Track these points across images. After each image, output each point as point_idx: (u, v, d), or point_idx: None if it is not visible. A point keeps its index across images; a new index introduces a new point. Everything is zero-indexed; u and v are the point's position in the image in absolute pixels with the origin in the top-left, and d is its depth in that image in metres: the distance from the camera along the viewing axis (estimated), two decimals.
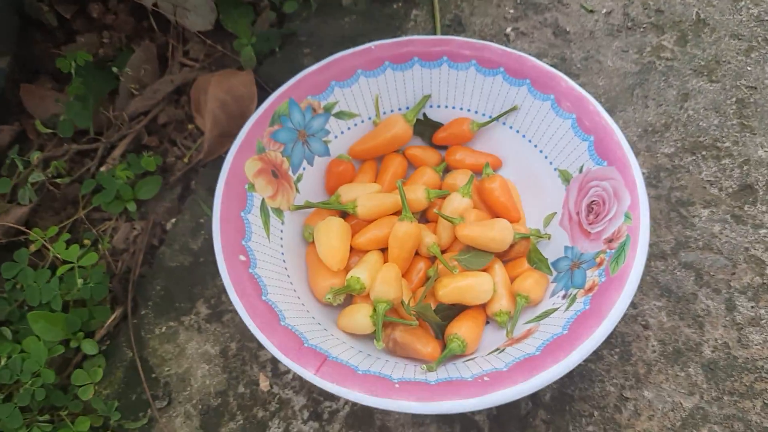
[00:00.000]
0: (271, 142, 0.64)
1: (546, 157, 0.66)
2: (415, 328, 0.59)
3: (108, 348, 0.65)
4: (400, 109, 0.70)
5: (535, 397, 0.61)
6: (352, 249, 0.63)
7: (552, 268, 0.62)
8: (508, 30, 0.82)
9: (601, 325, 0.51)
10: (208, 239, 0.70)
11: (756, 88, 0.76)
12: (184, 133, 0.78)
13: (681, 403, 0.60)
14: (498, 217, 0.64)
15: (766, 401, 0.59)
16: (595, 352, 0.62)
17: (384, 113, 0.70)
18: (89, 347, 0.62)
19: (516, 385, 0.50)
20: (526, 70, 0.65)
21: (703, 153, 0.72)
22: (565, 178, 0.64)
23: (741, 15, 0.82)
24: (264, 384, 0.62)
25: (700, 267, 0.66)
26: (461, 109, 0.70)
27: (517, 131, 0.68)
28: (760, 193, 0.69)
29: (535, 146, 0.66)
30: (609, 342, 0.63)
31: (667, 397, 0.60)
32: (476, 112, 0.69)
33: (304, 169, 0.66)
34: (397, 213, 0.65)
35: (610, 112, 0.75)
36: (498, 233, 0.60)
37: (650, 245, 0.67)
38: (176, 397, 0.62)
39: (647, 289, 0.65)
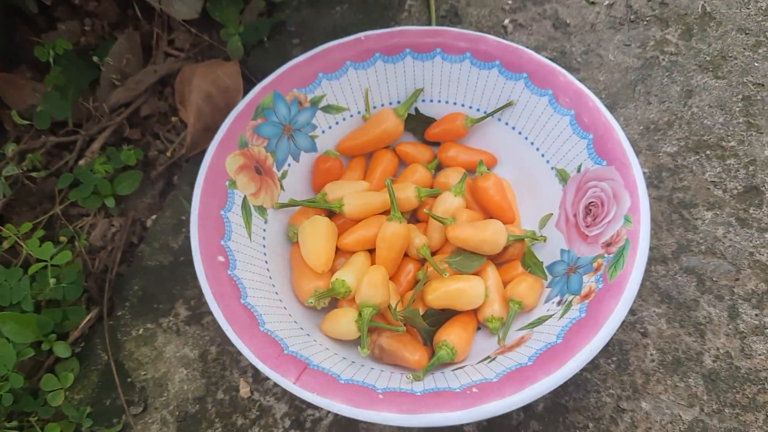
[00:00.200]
0: (255, 136, 0.61)
1: (543, 156, 0.63)
2: (402, 334, 0.56)
3: (82, 350, 0.62)
4: (390, 104, 0.67)
5: (527, 408, 0.58)
6: (338, 250, 0.61)
7: (547, 273, 0.59)
8: (506, 22, 0.79)
9: (597, 335, 0.48)
10: (190, 237, 0.67)
11: (763, 85, 0.73)
12: (167, 126, 0.75)
13: (680, 416, 0.57)
14: (491, 217, 0.62)
15: None
16: (590, 361, 0.59)
17: (374, 107, 0.67)
18: (61, 350, 0.59)
19: (506, 397, 0.47)
20: (523, 64, 0.62)
21: (707, 152, 0.69)
22: (563, 177, 0.61)
23: (749, 8, 0.78)
24: (244, 390, 0.59)
25: (702, 272, 0.63)
26: (455, 103, 0.67)
27: (513, 128, 0.65)
28: (767, 195, 0.66)
29: (532, 143, 0.63)
30: (606, 350, 0.60)
31: (665, 409, 0.57)
32: (470, 108, 0.66)
33: (289, 165, 0.63)
34: (386, 212, 0.62)
35: (611, 108, 0.72)
36: (491, 235, 0.57)
37: (651, 249, 0.64)
38: (152, 403, 0.59)
39: (647, 294, 0.62)
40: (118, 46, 0.76)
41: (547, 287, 0.58)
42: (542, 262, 0.59)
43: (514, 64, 0.63)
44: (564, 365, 0.48)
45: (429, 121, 0.67)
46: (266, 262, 0.59)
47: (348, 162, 0.67)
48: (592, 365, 0.59)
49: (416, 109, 0.67)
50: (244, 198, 0.59)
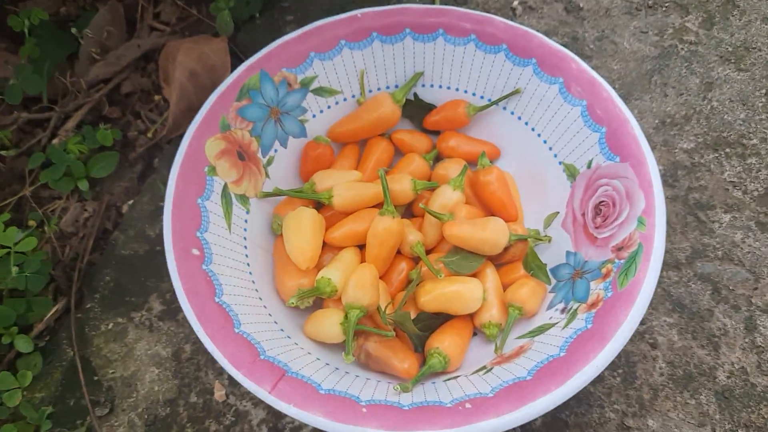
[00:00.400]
0: (238, 119, 0.56)
1: (550, 149, 0.58)
2: (391, 339, 0.51)
3: (47, 345, 0.58)
4: (388, 87, 0.62)
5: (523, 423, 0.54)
6: (325, 244, 0.56)
7: (551, 276, 0.55)
8: (515, 3, 0.74)
9: (604, 350, 0.44)
10: None
11: None
12: (149, 105, 0.70)
13: None
14: (492, 215, 0.57)
15: None
16: None
17: (369, 91, 0.62)
18: (23, 344, 0.55)
19: (501, 416, 0.42)
20: (533, 49, 0.57)
21: (727, 150, 0.64)
22: (571, 173, 0.56)
23: None
24: (219, 393, 0.55)
25: (717, 280, 0.58)
26: (457, 89, 0.62)
27: (519, 118, 0.60)
28: None
29: (539, 135, 0.59)
30: (611, 362, 0.56)
31: (674, 428, 0.53)
32: (474, 94, 0.61)
33: (275, 151, 0.59)
34: (379, 206, 0.57)
35: (625, 100, 0.67)
36: (491, 234, 0.53)
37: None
38: (120, 404, 0.55)
39: (657, 302, 0.58)
40: (100, 17, 0.71)
41: (550, 292, 0.54)
42: (546, 265, 0.55)
43: (522, 48, 0.58)
44: (566, 382, 0.43)
45: (428, 107, 0.62)
46: (246, 256, 0.54)
47: (340, 149, 0.62)
48: (596, 378, 0.55)
49: (415, 95, 0.62)
50: (225, 185, 0.54)
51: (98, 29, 0.70)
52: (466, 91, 0.61)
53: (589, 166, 0.54)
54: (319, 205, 0.58)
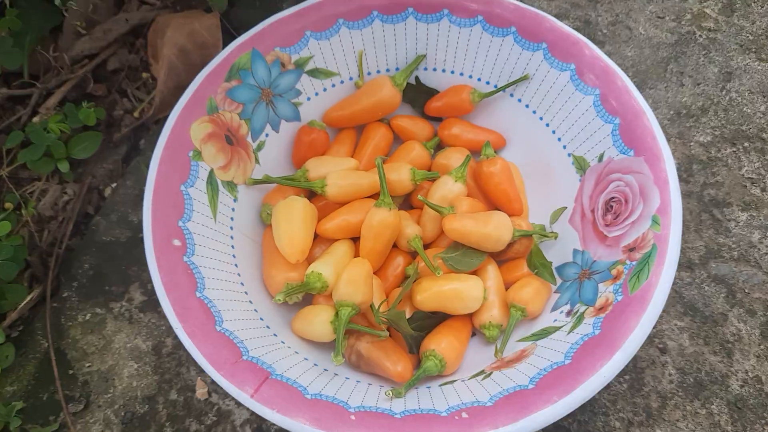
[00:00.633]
0: (227, 100, 0.52)
1: (559, 140, 0.54)
2: (384, 339, 0.48)
3: (20, 335, 0.54)
4: (388, 71, 0.58)
5: None
6: (317, 236, 0.53)
7: (556, 276, 0.51)
8: None
9: (613, 359, 0.41)
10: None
11: None
12: (136, 83, 0.67)
13: None
14: (496, 208, 0.54)
15: None
16: None
17: (368, 74, 0.58)
18: None
19: (499, 428, 0.39)
20: (543, 32, 0.54)
21: (745, 144, 0.61)
22: (581, 166, 0.53)
23: None
24: (201, 391, 0.52)
25: (732, 282, 0.55)
26: (461, 74, 0.58)
27: (527, 106, 0.56)
28: None
29: (547, 125, 0.55)
30: None
31: None
32: (479, 80, 0.58)
33: (267, 135, 0.55)
34: (375, 196, 0.54)
35: (639, 88, 0.64)
36: (494, 229, 0.49)
37: None
38: (95, 400, 0.52)
39: (668, 305, 0.54)
40: None
41: (555, 293, 0.51)
42: (551, 263, 0.51)
43: (532, 31, 0.54)
44: (570, 393, 0.40)
45: (431, 92, 0.59)
46: (232, 247, 0.51)
47: (335, 135, 0.59)
48: None
49: (417, 78, 0.58)
50: (211, 171, 0.51)
51: (84, 2, 0.66)
52: (471, 76, 0.58)
53: (600, 160, 0.51)
54: (311, 194, 0.54)
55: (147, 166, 0.59)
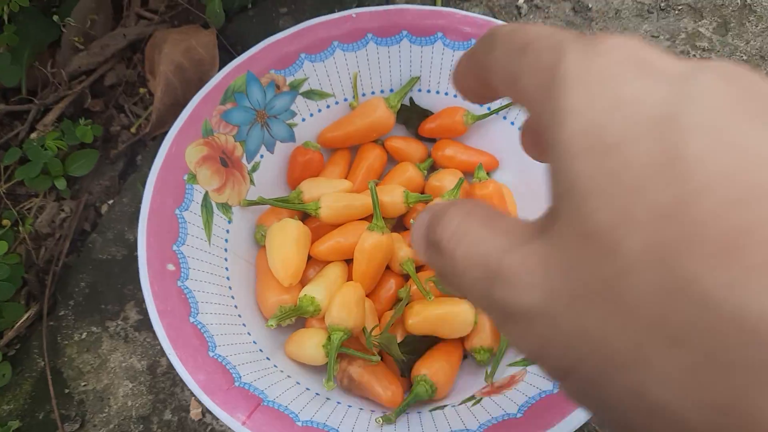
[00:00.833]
0: (222, 123, 0.53)
1: None
2: (376, 364, 0.49)
3: (16, 354, 0.55)
4: (382, 92, 0.59)
5: None
6: (310, 258, 0.53)
7: None
8: (521, 1, 0.70)
9: None
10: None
11: None
12: (134, 99, 0.67)
13: None
14: None
15: None
16: None
17: (363, 95, 0.58)
18: None
19: None
20: None
21: None
22: None
23: None
24: (195, 412, 0.53)
25: None
26: (455, 96, 0.58)
27: (520, 128, 0.56)
28: None
29: None
30: None
31: None
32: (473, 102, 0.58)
33: (261, 156, 0.56)
34: (369, 217, 0.54)
35: None
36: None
37: None
38: (91, 419, 0.52)
39: None
40: (84, 4, 0.67)
41: None
42: None
43: None
44: (559, 424, 0.41)
45: (425, 113, 0.59)
46: (227, 269, 0.51)
47: (330, 155, 0.59)
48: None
49: (411, 100, 0.59)
50: (206, 194, 0.51)
51: (82, 17, 0.67)
52: (464, 98, 0.58)
53: None
54: (305, 215, 0.55)
55: (143, 185, 0.59)
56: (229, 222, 0.53)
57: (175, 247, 0.48)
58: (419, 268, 0.54)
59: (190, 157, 0.51)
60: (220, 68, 0.64)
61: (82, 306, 0.56)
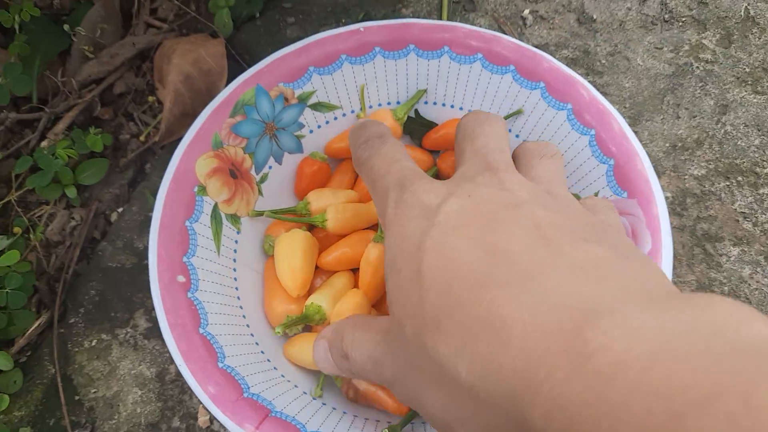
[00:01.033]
0: (232, 135, 0.53)
1: None
2: None
3: (27, 361, 0.56)
4: (389, 104, 0.59)
5: None
6: (317, 268, 0.54)
7: None
8: (526, 12, 0.71)
9: None
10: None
11: None
12: (143, 107, 0.68)
13: None
14: None
15: None
16: None
17: (370, 107, 0.59)
18: (3, 361, 0.53)
19: None
20: (542, 72, 0.55)
21: (739, 178, 0.62)
22: None
23: None
24: (203, 419, 0.54)
25: None
26: (461, 108, 0.59)
27: (525, 141, 0.57)
28: None
29: None
30: None
31: None
32: None
33: (270, 167, 0.56)
34: (375, 227, 0.55)
35: (636, 120, 0.65)
36: None
37: None
38: (100, 426, 0.53)
39: None
40: (93, 13, 0.68)
41: None
42: None
43: (530, 70, 0.55)
44: None
45: (430, 125, 0.60)
46: (235, 279, 0.52)
47: (337, 165, 0.60)
48: None
49: (416, 111, 0.60)
50: (215, 205, 0.52)
51: (92, 26, 0.67)
52: (470, 110, 0.59)
53: None
54: (312, 226, 0.56)
55: (152, 194, 0.60)
56: (238, 233, 0.54)
57: (185, 259, 0.49)
58: None
59: (201, 169, 0.51)
60: (227, 78, 0.65)
61: (92, 314, 0.57)
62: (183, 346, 0.45)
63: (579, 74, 0.61)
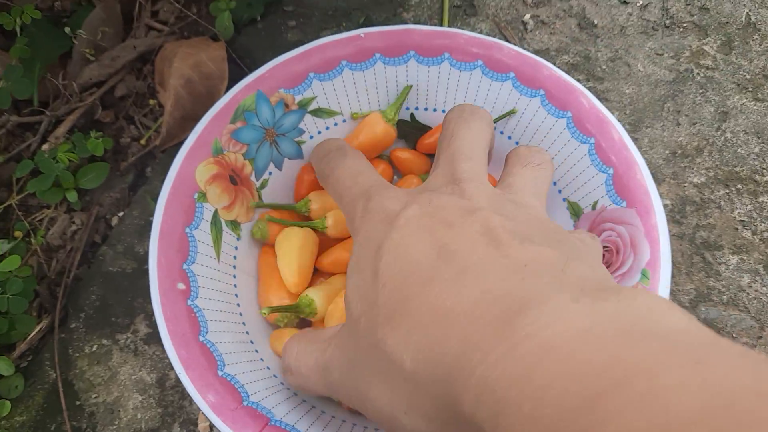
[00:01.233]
0: (232, 141, 0.54)
1: (554, 184, 0.56)
2: None
3: (29, 366, 0.56)
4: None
5: None
6: (316, 270, 0.54)
7: None
8: (527, 17, 0.71)
9: None
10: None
11: None
12: (144, 110, 0.68)
13: None
14: None
15: None
16: None
17: (369, 109, 0.59)
18: (4, 367, 0.53)
19: None
20: (542, 79, 0.55)
21: (738, 186, 0.62)
22: (575, 212, 0.54)
23: None
24: (203, 425, 0.54)
25: (721, 326, 0.57)
26: None
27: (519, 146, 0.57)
28: None
29: None
30: None
31: None
32: None
33: (270, 173, 0.57)
34: None
35: (636, 127, 0.65)
36: None
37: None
38: (101, 431, 0.54)
39: None
40: (94, 16, 0.68)
41: None
42: None
43: (531, 78, 0.55)
44: None
45: (424, 129, 0.60)
46: (235, 286, 0.52)
47: None
48: None
49: (412, 116, 0.59)
50: (215, 212, 0.52)
51: (92, 29, 0.67)
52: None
53: (593, 208, 0.52)
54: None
55: (153, 198, 0.60)
56: (238, 239, 0.54)
57: (185, 266, 0.49)
58: None
59: (201, 175, 0.52)
60: (228, 81, 0.65)
61: (93, 319, 0.58)
62: (183, 354, 0.45)
63: (579, 80, 0.62)
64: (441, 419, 0.28)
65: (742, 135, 0.64)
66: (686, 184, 0.62)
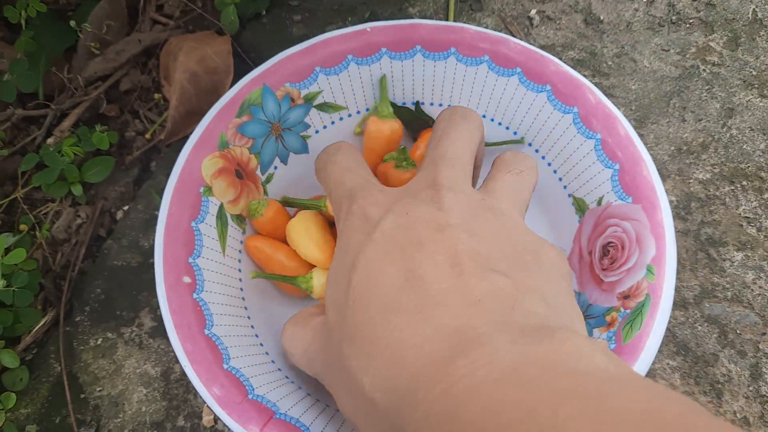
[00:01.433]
0: (238, 135, 0.54)
1: (560, 180, 0.56)
2: None
3: (34, 358, 0.56)
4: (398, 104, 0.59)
5: None
6: None
7: None
8: (533, 12, 0.71)
9: None
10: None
11: None
12: (149, 104, 0.68)
13: None
14: None
15: None
16: None
17: (367, 110, 0.59)
18: (9, 359, 0.53)
19: None
20: (548, 75, 0.55)
21: (744, 183, 0.62)
22: (580, 207, 0.54)
23: None
24: (207, 419, 0.54)
25: (726, 322, 0.57)
26: None
27: (530, 144, 0.57)
28: None
29: (549, 164, 0.56)
30: None
31: None
32: (484, 116, 0.59)
33: (275, 168, 0.57)
34: None
35: (641, 123, 0.65)
36: None
37: None
38: (105, 424, 0.54)
39: (662, 344, 0.56)
40: (100, 9, 0.68)
41: None
42: None
43: (537, 73, 0.55)
44: None
45: (425, 121, 0.59)
46: (240, 280, 0.52)
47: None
48: None
49: (417, 104, 0.59)
50: (220, 206, 0.52)
51: (98, 22, 0.67)
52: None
53: (599, 203, 0.52)
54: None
55: (158, 192, 0.60)
56: (243, 233, 0.54)
57: (191, 260, 0.49)
58: None
59: (206, 169, 0.52)
60: (233, 76, 0.65)
61: (98, 312, 0.58)
62: (188, 347, 0.45)
63: (585, 75, 0.62)
64: None
65: (747, 131, 0.64)
66: (691, 181, 0.62)
